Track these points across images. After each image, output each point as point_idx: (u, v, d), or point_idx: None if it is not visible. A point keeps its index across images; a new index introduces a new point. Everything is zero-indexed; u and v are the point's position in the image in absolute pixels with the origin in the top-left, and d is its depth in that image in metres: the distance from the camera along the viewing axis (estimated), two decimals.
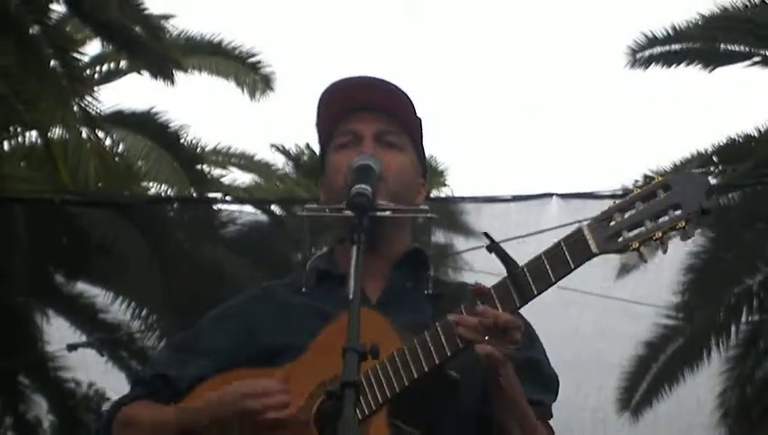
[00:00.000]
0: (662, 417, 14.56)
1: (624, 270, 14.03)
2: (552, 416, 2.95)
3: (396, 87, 3.02)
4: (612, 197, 10.45)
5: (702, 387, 14.28)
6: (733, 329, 14.13)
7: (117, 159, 13.71)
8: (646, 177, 13.50)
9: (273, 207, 15.83)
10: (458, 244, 15.40)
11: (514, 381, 2.74)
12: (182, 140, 14.59)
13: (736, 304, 14.10)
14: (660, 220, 2.63)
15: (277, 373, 2.86)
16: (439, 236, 13.98)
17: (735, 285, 14.01)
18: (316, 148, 17.49)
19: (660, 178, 2.66)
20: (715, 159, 13.96)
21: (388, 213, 2.88)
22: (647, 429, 14.77)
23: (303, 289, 3.02)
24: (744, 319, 14.14)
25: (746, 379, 14.37)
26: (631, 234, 2.66)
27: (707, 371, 14.28)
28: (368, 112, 3.02)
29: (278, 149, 18.84)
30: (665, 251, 2.64)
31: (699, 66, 14.09)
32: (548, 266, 2.65)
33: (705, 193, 2.61)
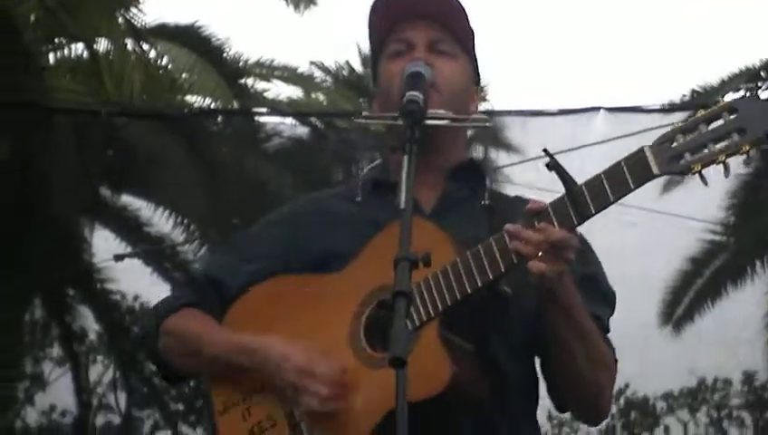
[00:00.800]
0: (704, 332, 14.57)
1: (670, 184, 13.97)
2: (609, 330, 2.92)
3: None
4: (660, 111, 10.37)
5: (746, 303, 14.26)
6: None
7: (161, 72, 13.69)
8: (693, 92, 13.37)
9: (316, 121, 15.83)
10: (499, 159, 15.37)
11: (573, 295, 2.71)
12: (225, 54, 14.57)
13: None
14: (724, 144, 2.58)
15: (325, 280, 2.86)
16: (480, 151, 13.98)
17: None
18: (356, 64, 17.51)
19: (726, 102, 2.60)
20: (762, 74, 13.79)
21: (445, 122, 2.85)
22: (690, 344, 14.79)
23: (358, 198, 3.00)
24: None
25: None
26: (694, 156, 2.60)
27: (751, 287, 14.25)
28: (420, 20, 2.96)
29: (317, 66, 18.86)
30: (727, 175, 2.61)
31: None
32: (607, 186, 2.60)
33: None
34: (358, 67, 19.24)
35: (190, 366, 3.00)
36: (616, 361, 2.88)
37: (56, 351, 18.63)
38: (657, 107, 10.05)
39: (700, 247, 14.18)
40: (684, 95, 13.05)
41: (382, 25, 3.02)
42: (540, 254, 2.62)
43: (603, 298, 2.94)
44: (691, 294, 14.64)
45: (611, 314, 2.95)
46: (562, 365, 2.79)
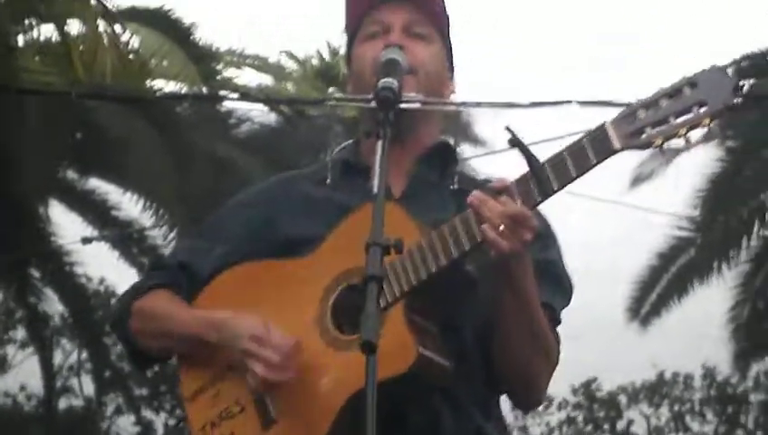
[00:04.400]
0: (671, 327, 14.67)
1: (638, 179, 14.03)
2: (560, 321, 2.89)
3: None
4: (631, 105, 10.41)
5: (712, 300, 14.37)
6: (744, 243, 14.17)
7: (131, 55, 13.62)
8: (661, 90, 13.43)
9: (285, 109, 15.82)
10: (465, 152, 15.43)
11: (528, 281, 2.69)
12: (195, 38, 14.51)
13: (749, 218, 14.12)
14: (685, 117, 2.55)
15: (293, 264, 2.85)
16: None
17: (750, 199, 14.02)
18: (325, 53, 17.40)
19: (686, 76, 2.57)
20: (730, 72, 13.84)
21: (417, 105, 2.83)
22: (655, 338, 14.90)
23: (328, 181, 3.00)
24: (755, 234, 14.17)
25: (758, 294, 14.41)
26: (655, 130, 2.54)
27: (717, 283, 14.36)
28: (396, 3, 2.91)
29: (287, 54, 18.93)
30: (688, 149, 2.60)
31: None
32: (570, 162, 2.57)
33: (731, 90, 2.54)
34: (327, 57, 19.29)
35: (160, 346, 2.98)
36: (559, 352, 2.85)
37: (20, 333, 18.56)
38: (629, 102, 10.08)
39: (667, 243, 14.28)
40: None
41: (359, 6, 3.00)
42: (501, 228, 2.61)
43: (559, 288, 2.91)
44: (658, 289, 14.72)
45: (566, 305, 2.93)
46: (503, 346, 2.77)
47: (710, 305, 14.21)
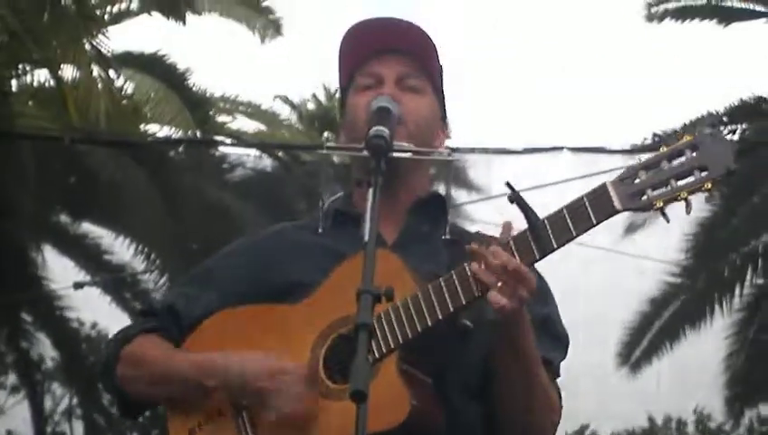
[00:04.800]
0: (663, 374, 14.61)
1: (632, 227, 14.06)
2: (559, 375, 2.92)
3: (419, 29, 2.98)
4: (622, 152, 10.46)
5: (703, 347, 14.32)
6: (737, 290, 14.15)
7: (125, 101, 13.66)
8: (654, 135, 13.47)
9: (281, 154, 15.85)
10: (460, 197, 15.42)
11: (528, 338, 2.70)
12: (188, 82, 14.55)
13: (741, 264, 14.12)
14: (686, 181, 2.57)
15: (286, 310, 2.85)
16: (442, 189, 14.03)
17: (741, 245, 14.03)
18: (321, 97, 17.51)
19: (688, 138, 2.60)
20: (725, 119, 13.92)
21: (408, 154, 2.85)
22: (647, 386, 14.83)
23: (320, 229, 2.99)
24: (748, 281, 14.16)
25: (752, 342, 14.38)
26: (655, 193, 2.58)
27: (710, 330, 14.32)
28: (390, 55, 2.95)
29: (282, 99, 18.99)
30: (689, 212, 2.60)
31: (714, 21, 14.08)
32: (569, 220, 2.59)
33: (732, 155, 2.58)
34: (323, 100, 19.32)
35: (149, 393, 2.97)
36: (561, 407, 2.87)
37: (11, 378, 18.47)
38: (620, 148, 10.15)
39: (659, 289, 14.26)
40: (645, 138, 13.18)
41: (352, 58, 3.02)
42: (499, 285, 2.62)
43: (557, 341, 2.93)
44: (650, 335, 14.71)
45: (563, 358, 2.94)
46: (507, 404, 2.79)
47: (703, 353, 14.18)
